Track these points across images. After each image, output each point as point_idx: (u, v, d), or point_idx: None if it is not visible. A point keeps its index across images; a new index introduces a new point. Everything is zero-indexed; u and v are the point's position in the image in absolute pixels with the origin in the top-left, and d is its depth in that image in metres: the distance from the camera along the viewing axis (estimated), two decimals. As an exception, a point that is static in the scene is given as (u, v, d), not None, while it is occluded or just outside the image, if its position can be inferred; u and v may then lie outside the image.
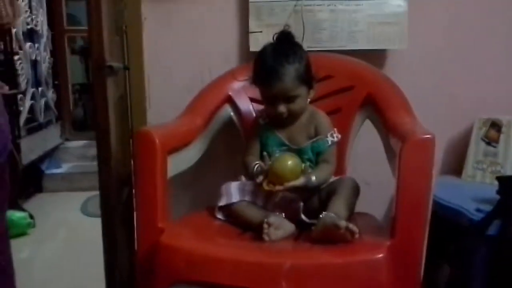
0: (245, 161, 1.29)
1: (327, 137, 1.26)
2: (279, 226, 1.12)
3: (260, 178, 1.18)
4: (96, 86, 1.14)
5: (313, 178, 1.19)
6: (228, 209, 1.24)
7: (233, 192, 1.24)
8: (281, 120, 1.25)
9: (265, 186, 1.17)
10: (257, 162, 1.23)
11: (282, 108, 1.22)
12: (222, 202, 1.24)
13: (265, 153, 1.22)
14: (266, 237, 1.09)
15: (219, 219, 1.25)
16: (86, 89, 4.21)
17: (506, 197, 1.16)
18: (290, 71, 1.20)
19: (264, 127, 1.30)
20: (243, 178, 1.30)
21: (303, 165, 1.20)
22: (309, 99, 1.29)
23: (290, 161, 1.17)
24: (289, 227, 1.15)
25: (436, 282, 1.44)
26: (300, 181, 1.17)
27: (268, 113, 1.29)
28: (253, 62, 1.28)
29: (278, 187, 1.16)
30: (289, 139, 1.27)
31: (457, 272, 1.38)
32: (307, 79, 1.24)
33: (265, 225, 1.09)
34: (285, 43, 1.26)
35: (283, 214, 1.21)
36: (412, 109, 1.30)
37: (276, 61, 1.20)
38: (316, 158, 1.27)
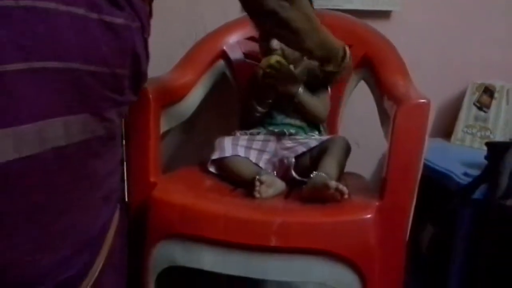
0: (249, 104, 1.31)
1: None
2: (271, 184, 1.13)
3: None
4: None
5: (301, 90, 1.24)
6: (220, 163, 1.24)
7: (226, 146, 1.24)
8: None
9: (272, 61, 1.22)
10: None
11: (275, 44, 1.22)
12: (215, 156, 1.24)
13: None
14: (257, 195, 1.09)
15: (212, 175, 1.25)
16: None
17: (494, 163, 1.18)
18: None
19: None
20: (237, 133, 1.30)
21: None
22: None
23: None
24: (280, 185, 1.16)
25: (419, 241, 1.49)
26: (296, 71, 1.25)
27: (263, 54, 1.28)
28: None
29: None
30: None
31: (441, 232, 1.42)
32: None
33: (257, 183, 1.10)
34: None
35: (275, 172, 1.22)
36: (408, 72, 1.29)
37: None
38: None
